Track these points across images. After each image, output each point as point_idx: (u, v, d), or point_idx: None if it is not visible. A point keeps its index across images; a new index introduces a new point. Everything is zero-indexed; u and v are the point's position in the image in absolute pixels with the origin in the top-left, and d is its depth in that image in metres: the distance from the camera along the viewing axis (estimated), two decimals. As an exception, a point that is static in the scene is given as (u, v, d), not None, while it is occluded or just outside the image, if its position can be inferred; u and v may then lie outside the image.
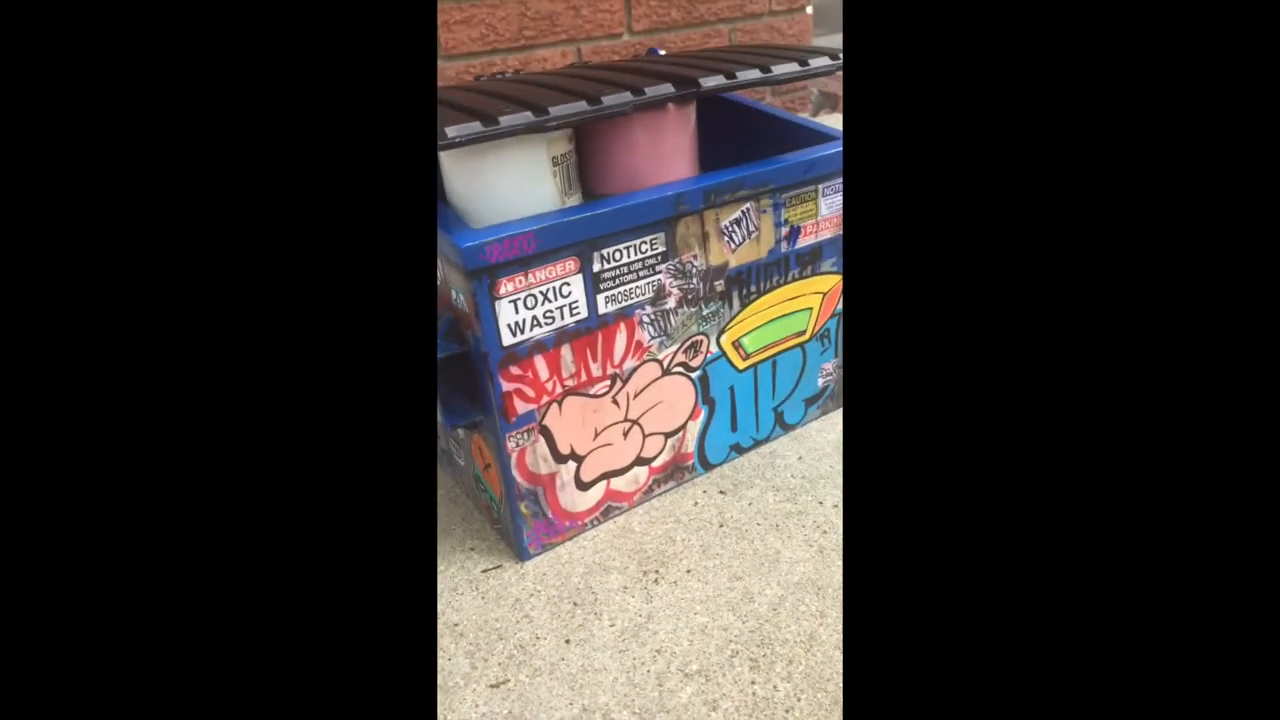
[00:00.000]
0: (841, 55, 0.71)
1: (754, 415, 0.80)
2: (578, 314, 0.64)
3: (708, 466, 0.79)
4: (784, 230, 0.73)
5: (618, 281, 0.65)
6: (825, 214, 0.76)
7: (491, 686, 0.57)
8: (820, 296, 0.79)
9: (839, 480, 0.75)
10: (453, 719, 0.55)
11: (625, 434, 0.71)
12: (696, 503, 0.74)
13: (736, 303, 0.73)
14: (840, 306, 0.81)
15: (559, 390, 0.65)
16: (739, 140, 0.91)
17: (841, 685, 0.55)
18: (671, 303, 0.69)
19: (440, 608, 0.65)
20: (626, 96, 0.61)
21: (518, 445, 0.65)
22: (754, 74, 0.66)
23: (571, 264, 0.62)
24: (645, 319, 0.68)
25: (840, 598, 0.62)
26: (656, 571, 0.67)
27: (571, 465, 0.69)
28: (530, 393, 0.64)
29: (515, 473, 0.66)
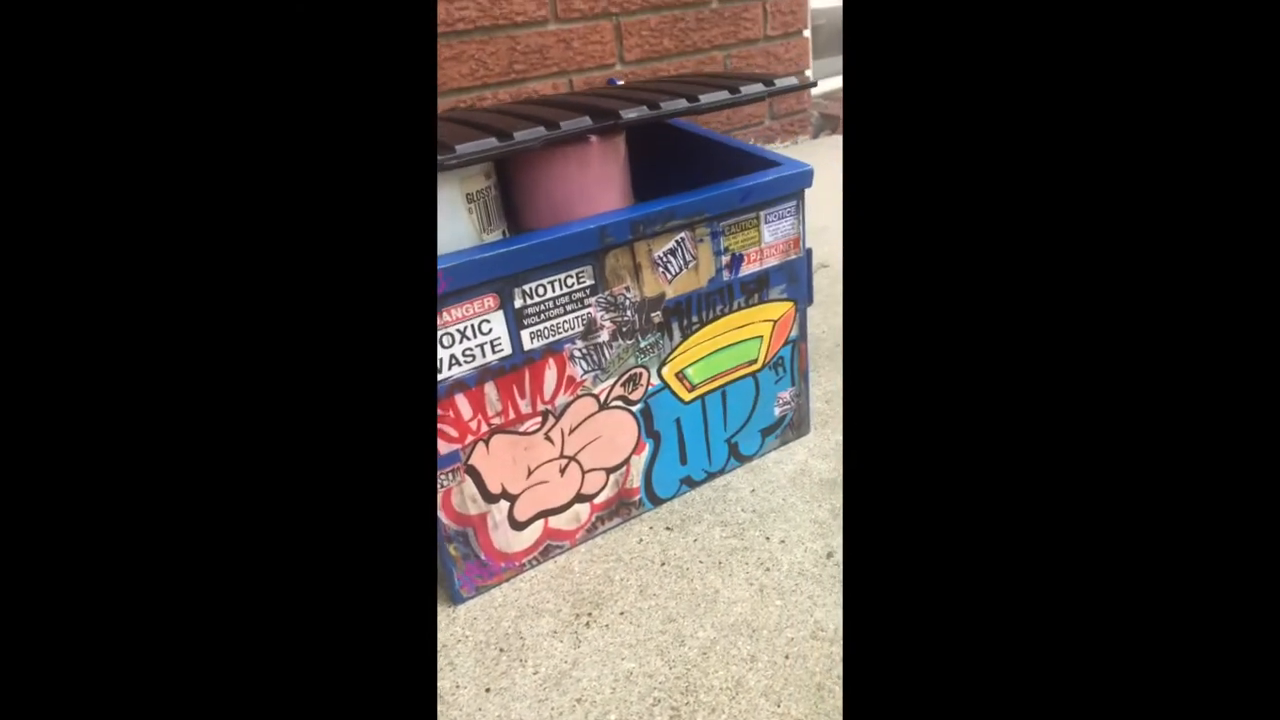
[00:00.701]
0: (776, 83, 0.70)
1: (705, 448, 0.78)
2: (500, 351, 0.63)
3: (656, 501, 0.77)
4: (724, 259, 0.72)
5: (543, 317, 0.64)
6: (769, 241, 0.74)
7: (405, 737, 0.56)
8: (770, 324, 0.77)
9: (790, 514, 0.73)
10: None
11: (562, 471, 0.70)
12: (641, 540, 0.72)
13: (677, 334, 0.72)
14: (794, 333, 0.79)
15: (485, 429, 0.64)
16: (687, 168, 0.90)
17: (762, 736, 0.52)
18: (604, 336, 0.67)
19: (369, 653, 0.64)
20: (540, 131, 0.60)
21: (443, 486, 0.64)
22: (679, 104, 0.65)
23: (490, 301, 0.61)
24: (576, 353, 0.66)
25: (772, 640, 0.60)
26: (589, 614, 0.65)
27: (504, 504, 0.67)
28: (453, 432, 0.63)
29: (441, 514, 0.64)
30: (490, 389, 0.63)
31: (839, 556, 0.67)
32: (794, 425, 0.83)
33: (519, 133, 0.59)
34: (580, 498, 0.72)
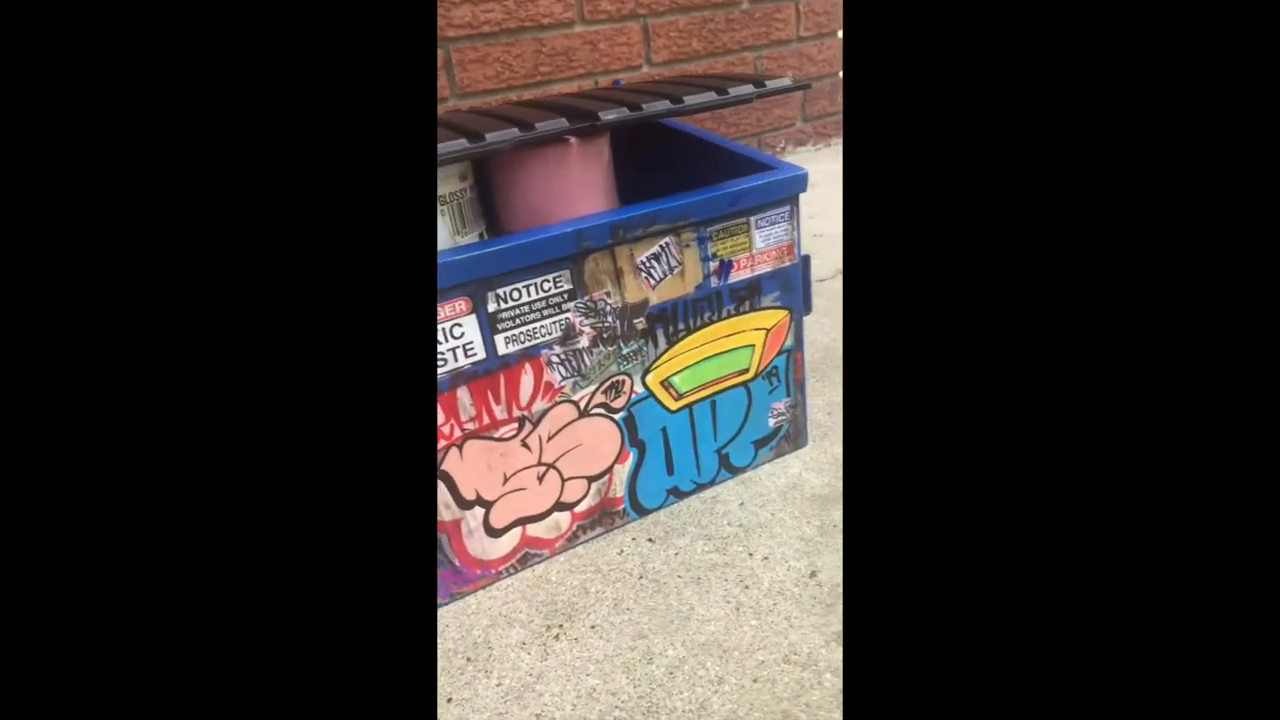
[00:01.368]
0: (769, 83, 0.68)
1: (693, 458, 0.76)
2: (474, 355, 0.62)
3: (642, 512, 0.75)
4: (713, 265, 0.70)
5: (518, 321, 0.63)
6: (762, 247, 0.72)
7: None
8: (763, 333, 0.75)
9: (777, 530, 0.70)
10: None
11: (540, 478, 0.68)
12: (621, 551, 0.71)
13: (662, 341, 0.70)
14: (789, 342, 0.77)
15: (458, 434, 0.63)
16: (679, 171, 0.88)
17: (719, 762, 0.50)
18: (584, 342, 0.66)
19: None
20: (513, 133, 0.59)
21: (414, 491, 0.63)
22: (662, 104, 0.63)
23: (462, 304, 0.60)
24: (554, 359, 0.65)
25: (743, 662, 0.57)
26: (560, 626, 0.63)
27: (479, 511, 0.66)
28: (424, 437, 0.62)
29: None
30: (463, 393, 0.62)
31: (822, 576, 0.65)
32: (790, 437, 0.81)
33: (491, 134, 0.58)
34: (560, 506, 0.70)
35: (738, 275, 0.71)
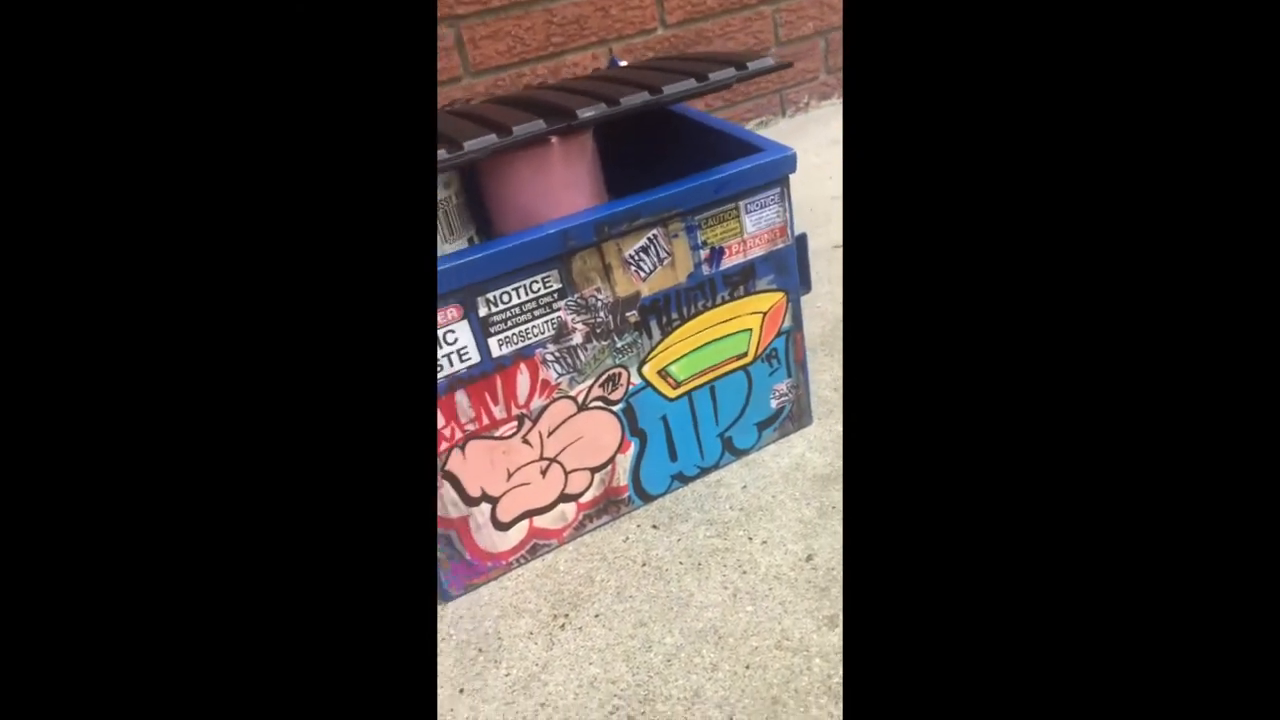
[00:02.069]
0: (750, 65, 0.67)
1: (695, 443, 0.77)
2: (468, 359, 0.63)
3: (646, 498, 0.77)
4: (703, 253, 0.70)
5: (510, 323, 0.64)
6: (753, 231, 0.71)
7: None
8: (760, 316, 0.75)
9: (777, 512, 0.72)
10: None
11: (543, 472, 0.70)
12: (627, 539, 0.73)
13: (656, 331, 0.71)
14: (787, 324, 0.77)
15: (459, 435, 0.65)
16: (670, 153, 0.87)
17: (710, 749, 0.53)
18: (577, 338, 0.67)
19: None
20: (490, 139, 0.59)
21: (419, 491, 0.65)
22: (640, 97, 0.63)
23: (454, 311, 0.61)
24: (549, 357, 0.67)
25: (736, 648, 0.59)
26: (566, 615, 0.66)
27: (485, 507, 0.69)
28: (424, 440, 0.64)
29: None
30: (461, 396, 0.64)
31: (818, 560, 0.66)
32: (794, 417, 0.81)
33: (469, 142, 0.59)
34: (565, 497, 0.72)
35: (730, 261, 0.71)
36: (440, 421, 0.64)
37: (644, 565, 0.69)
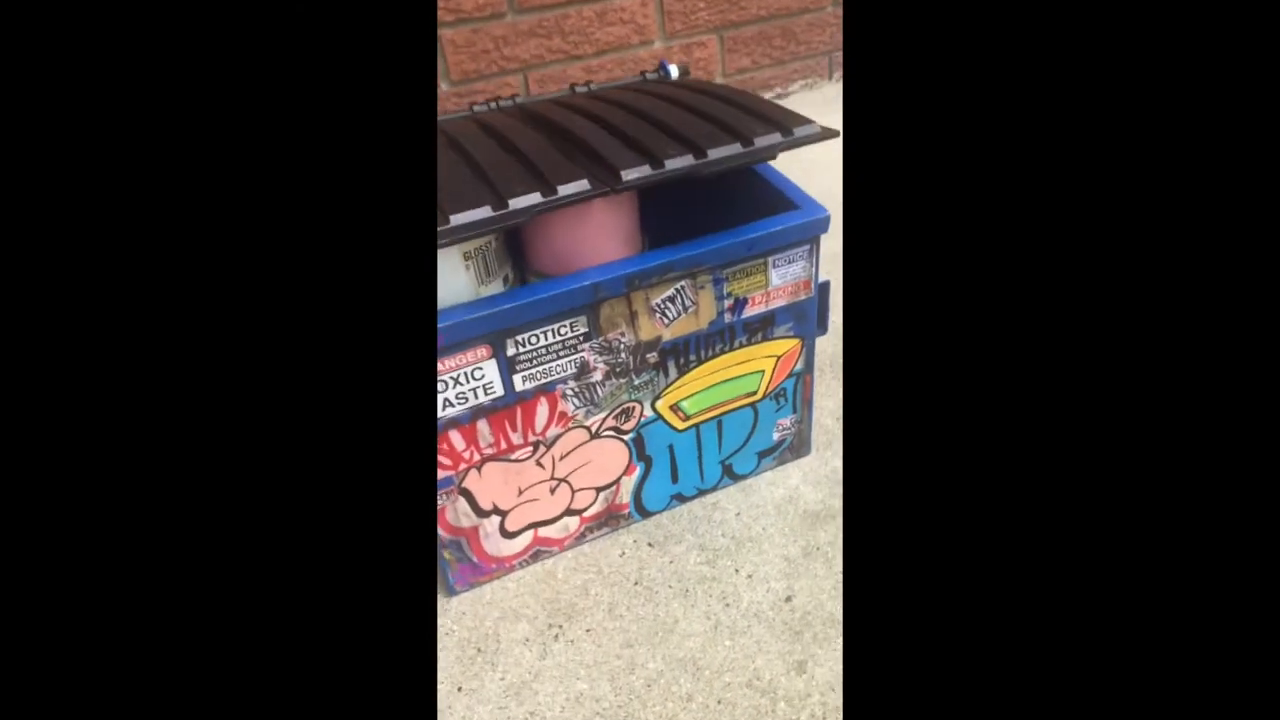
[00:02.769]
0: (796, 131, 0.67)
1: (698, 468, 0.82)
2: (493, 393, 0.67)
3: (645, 514, 0.82)
4: (727, 303, 0.72)
5: (535, 362, 0.68)
6: (778, 284, 0.74)
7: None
8: (774, 360, 0.79)
9: (765, 545, 0.77)
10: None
11: (553, 490, 0.75)
12: (623, 553, 0.78)
13: (673, 371, 0.74)
14: (799, 367, 0.80)
15: (477, 458, 0.70)
16: (711, 197, 0.88)
17: (677, 781, 0.59)
18: (598, 376, 0.71)
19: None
20: (535, 199, 0.61)
21: (438, 504, 0.71)
22: (686, 160, 0.64)
23: (484, 351, 0.65)
24: (569, 392, 0.70)
25: (711, 682, 0.66)
26: (560, 626, 0.72)
27: (495, 519, 0.74)
28: (447, 461, 0.69)
29: (437, 527, 0.72)
30: (483, 424, 0.68)
31: (796, 601, 0.72)
32: (793, 448, 0.86)
33: (514, 201, 0.61)
34: (570, 512, 0.78)
35: (752, 311, 0.74)
36: (461, 445, 0.69)
37: (636, 584, 0.75)
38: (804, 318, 0.77)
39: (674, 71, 0.92)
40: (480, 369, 0.65)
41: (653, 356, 0.72)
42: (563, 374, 0.69)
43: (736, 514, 0.81)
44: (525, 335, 0.66)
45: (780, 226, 0.70)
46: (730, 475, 0.84)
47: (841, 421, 0.90)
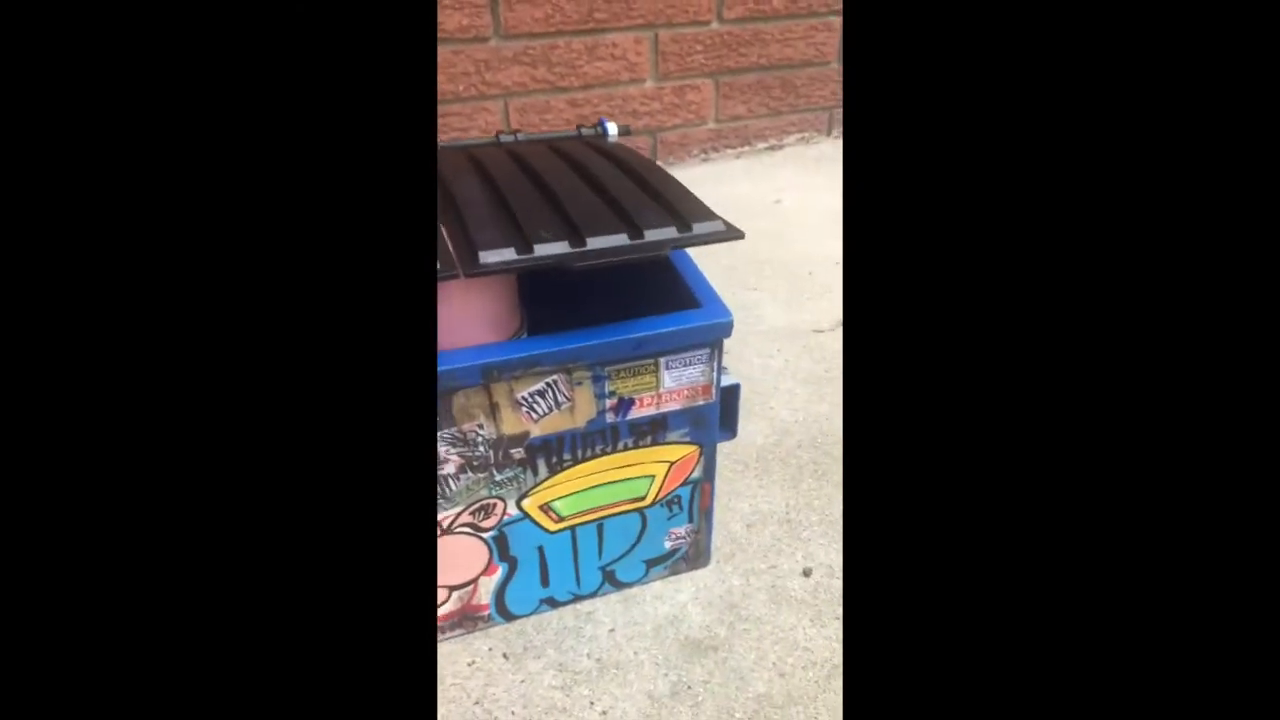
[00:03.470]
0: (695, 228, 0.59)
1: (573, 573, 0.73)
2: (323, 479, 0.59)
3: (509, 617, 0.74)
4: (609, 401, 0.64)
5: (375, 450, 0.60)
6: (670, 387, 0.66)
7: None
8: (666, 465, 0.70)
9: (630, 677, 0.68)
10: None
11: (397, 586, 0.67)
12: (473, 662, 0.70)
13: (544, 469, 0.66)
14: (696, 474, 0.72)
15: (304, 547, 0.62)
16: (611, 279, 0.80)
17: None
18: (450, 469, 0.63)
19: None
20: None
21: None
22: (558, 248, 0.57)
23: (311, 433, 0.57)
24: (417, 484, 0.62)
25: None
26: (380, 745, 0.64)
27: (327, 611, 0.66)
28: (265, 549, 0.61)
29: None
30: (311, 512, 0.61)
31: (647, 754, 0.63)
32: (688, 558, 0.77)
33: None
34: (418, 609, 0.70)
35: (640, 412, 0.66)
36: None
37: (477, 704, 0.67)
38: (703, 423, 0.69)
39: (613, 130, 0.84)
40: (306, 454, 0.58)
41: (518, 452, 0.64)
42: (408, 465, 0.61)
43: (610, 630, 0.72)
44: (362, 421, 0.58)
45: (675, 327, 0.62)
46: (612, 582, 0.76)
47: (753, 528, 0.82)
